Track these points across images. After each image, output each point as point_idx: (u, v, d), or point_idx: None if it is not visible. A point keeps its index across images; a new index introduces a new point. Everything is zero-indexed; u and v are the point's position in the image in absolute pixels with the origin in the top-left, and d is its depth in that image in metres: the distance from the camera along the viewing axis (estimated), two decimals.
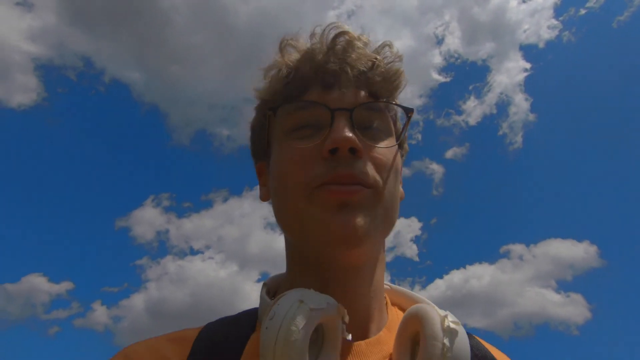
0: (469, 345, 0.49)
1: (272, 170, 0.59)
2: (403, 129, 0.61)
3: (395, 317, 0.61)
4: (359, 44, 0.58)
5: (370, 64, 0.58)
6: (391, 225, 0.57)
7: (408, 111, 0.59)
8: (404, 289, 0.67)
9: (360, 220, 0.51)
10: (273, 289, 0.63)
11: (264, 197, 0.65)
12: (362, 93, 0.58)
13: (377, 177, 0.54)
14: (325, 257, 0.53)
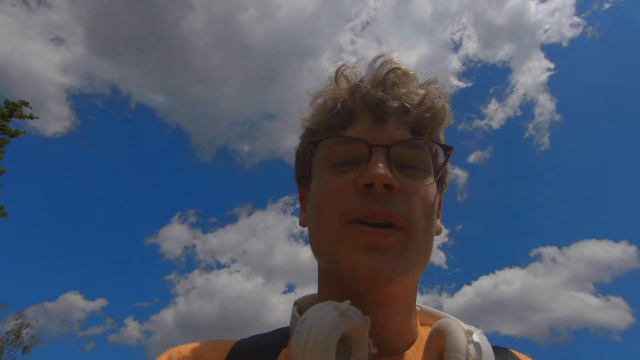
0: (493, 357, 0.49)
1: (311, 199, 0.61)
2: (442, 165, 0.62)
3: (424, 336, 0.62)
4: (408, 79, 0.59)
5: (417, 100, 0.58)
6: (424, 263, 0.58)
7: (447, 149, 0.59)
8: (433, 309, 0.67)
9: (388, 264, 0.52)
10: (304, 308, 0.64)
11: (302, 223, 0.66)
12: (405, 129, 0.58)
13: (411, 217, 0.54)
14: (357, 289, 0.55)
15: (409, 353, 0.58)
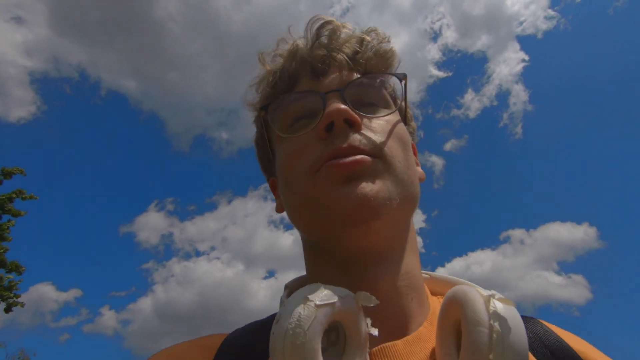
0: (524, 329, 0.40)
1: (278, 170, 0.57)
2: (403, 94, 0.58)
3: (437, 308, 0.54)
4: (345, 30, 0.58)
5: (358, 45, 0.57)
6: (411, 199, 0.52)
7: (401, 77, 0.56)
8: (445, 275, 0.60)
9: (370, 187, 0.47)
10: (295, 290, 0.59)
11: (279, 209, 0.63)
12: (354, 75, 0.56)
13: (382, 145, 0.50)
14: (343, 242, 0.49)
15: (422, 330, 0.50)
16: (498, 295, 0.43)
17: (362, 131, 0.51)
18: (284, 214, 0.60)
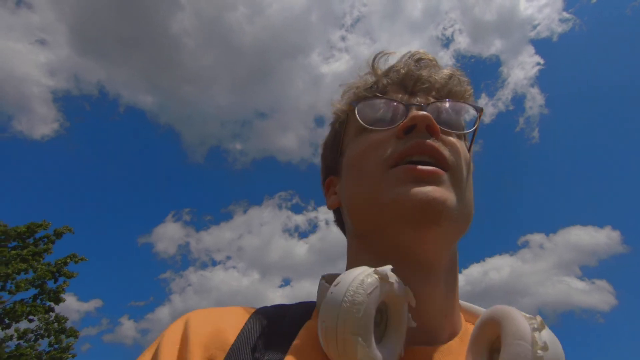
0: (563, 352, 0.42)
1: (347, 162, 0.60)
2: (476, 123, 0.62)
3: (468, 329, 0.55)
4: (437, 63, 0.63)
5: (446, 75, 0.62)
6: (467, 219, 0.54)
7: (479, 109, 0.60)
8: (478, 307, 0.61)
9: (440, 193, 0.49)
10: (331, 282, 0.60)
11: (333, 205, 0.65)
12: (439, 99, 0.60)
13: (455, 161, 0.53)
14: (398, 239, 0.50)
15: (453, 344, 0.51)
16: (538, 317, 0.44)
17: (440, 142, 0.54)
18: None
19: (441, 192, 0.50)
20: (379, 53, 0.65)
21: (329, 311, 0.41)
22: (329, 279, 0.59)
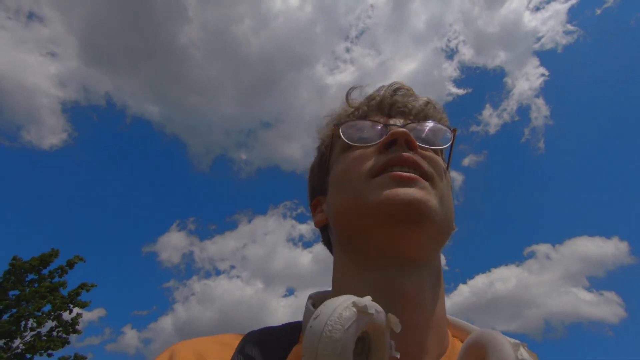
0: None
1: (332, 178, 0.63)
2: (451, 143, 0.66)
3: (456, 347, 0.56)
4: (413, 92, 0.69)
5: (424, 103, 0.67)
6: (449, 224, 0.57)
7: (452, 129, 0.65)
8: (464, 321, 0.61)
9: (421, 194, 0.52)
10: (318, 303, 0.61)
11: (320, 221, 0.67)
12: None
13: (433, 172, 0.57)
14: (385, 244, 0.52)
15: None
16: (522, 343, 0.44)
17: (419, 154, 0.58)
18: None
19: (423, 194, 0.53)
20: (354, 87, 0.72)
21: (307, 348, 0.41)
22: (316, 300, 0.61)
